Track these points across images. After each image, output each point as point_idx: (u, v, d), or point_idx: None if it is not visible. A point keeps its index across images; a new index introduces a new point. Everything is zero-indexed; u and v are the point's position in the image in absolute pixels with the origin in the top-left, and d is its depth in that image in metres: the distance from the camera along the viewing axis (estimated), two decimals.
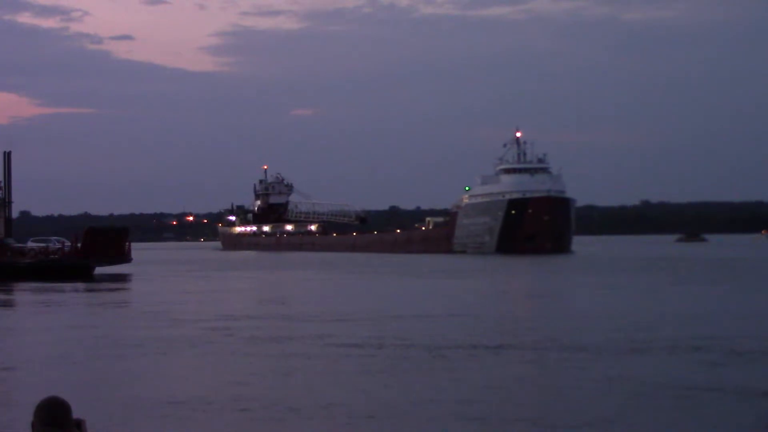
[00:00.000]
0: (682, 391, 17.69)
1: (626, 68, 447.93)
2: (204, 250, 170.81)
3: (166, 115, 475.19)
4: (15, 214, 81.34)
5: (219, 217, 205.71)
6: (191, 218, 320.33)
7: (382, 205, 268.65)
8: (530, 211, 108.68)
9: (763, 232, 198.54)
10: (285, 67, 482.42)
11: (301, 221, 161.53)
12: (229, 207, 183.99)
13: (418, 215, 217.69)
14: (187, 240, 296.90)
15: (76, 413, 4.76)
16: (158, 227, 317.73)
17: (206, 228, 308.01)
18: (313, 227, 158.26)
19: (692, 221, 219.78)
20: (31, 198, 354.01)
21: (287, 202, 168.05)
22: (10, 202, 75.70)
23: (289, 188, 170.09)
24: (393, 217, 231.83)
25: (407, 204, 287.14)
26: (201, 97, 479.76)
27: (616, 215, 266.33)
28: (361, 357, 22.56)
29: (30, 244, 72.99)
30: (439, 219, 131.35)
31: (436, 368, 20.87)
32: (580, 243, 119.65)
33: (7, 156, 75.07)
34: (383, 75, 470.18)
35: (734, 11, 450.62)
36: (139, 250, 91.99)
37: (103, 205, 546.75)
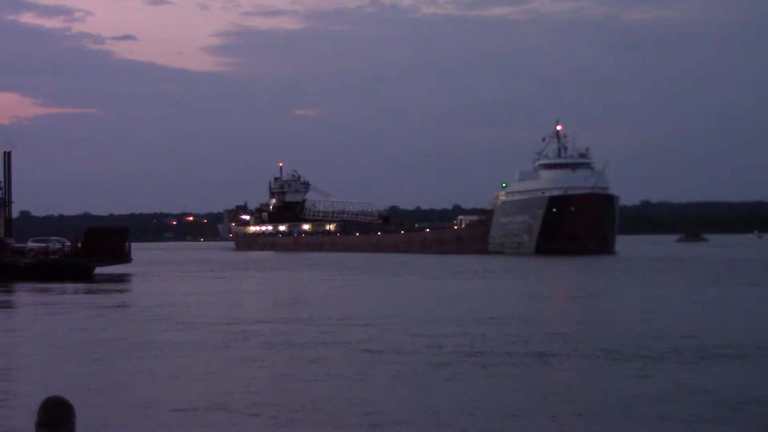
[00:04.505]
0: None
1: (626, 68, 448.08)
2: (216, 250, 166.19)
3: (167, 115, 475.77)
4: (15, 214, 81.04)
5: (218, 217, 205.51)
6: (191, 218, 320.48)
7: (382, 205, 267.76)
8: (573, 209, 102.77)
9: (756, 232, 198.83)
10: (287, 67, 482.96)
11: (319, 220, 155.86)
12: (231, 207, 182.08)
13: (418, 215, 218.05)
14: (187, 240, 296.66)
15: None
16: (158, 227, 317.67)
17: (206, 228, 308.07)
18: (331, 226, 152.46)
19: (692, 221, 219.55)
20: (31, 198, 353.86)
21: (304, 201, 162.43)
22: (10, 202, 75.51)
23: (306, 186, 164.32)
24: (393, 217, 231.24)
25: (407, 204, 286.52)
26: (203, 97, 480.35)
27: None
28: (393, 363, 21.20)
29: (30, 244, 72.88)
30: (474, 217, 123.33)
31: (475, 376, 19.41)
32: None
33: (7, 156, 75.01)
34: (385, 75, 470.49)
35: (734, 11, 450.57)
36: (139, 250, 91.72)
37: (103, 205, 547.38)
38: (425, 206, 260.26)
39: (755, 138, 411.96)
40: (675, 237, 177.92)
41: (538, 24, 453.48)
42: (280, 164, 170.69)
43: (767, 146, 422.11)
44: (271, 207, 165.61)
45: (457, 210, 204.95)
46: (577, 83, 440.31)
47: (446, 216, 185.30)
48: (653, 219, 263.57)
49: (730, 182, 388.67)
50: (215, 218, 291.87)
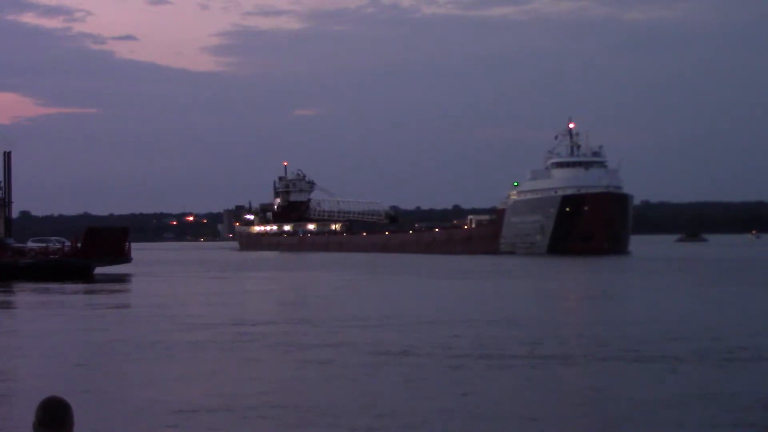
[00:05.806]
0: None
1: (627, 68, 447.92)
2: (218, 250, 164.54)
3: (167, 115, 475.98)
4: (15, 214, 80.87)
5: (218, 217, 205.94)
6: (191, 218, 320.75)
7: (382, 205, 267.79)
8: (586, 208, 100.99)
9: (753, 232, 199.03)
10: (287, 67, 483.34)
11: (324, 220, 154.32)
12: (231, 207, 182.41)
13: (419, 215, 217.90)
14: (187, 240, 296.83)
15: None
16: (158, 227, 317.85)
17: (206, 228, 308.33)
18: (336, 226, 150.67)
19: (692, 221, 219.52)
20: (31, 198, 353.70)
21: (309, 200, 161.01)
22: (10, 202, 75.30)
23: (311, 185, 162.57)
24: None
25: (407, 204, 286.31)
26: (203, 97, 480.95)
27: None
28: (404, 365, 20.67)
29: (30, 244, 72.66)
30: (484, 217, 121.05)
31: (491, 378, 18.95)
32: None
33: (7, 156, 74.82)
34: (385, 75, 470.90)
35: (734, 11, 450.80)
36: (139, 250, 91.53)
37: (103, 205, 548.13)
38: (425, 206, 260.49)
39: (755, 138, 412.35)
40: (674, 237, 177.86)
41: (539, 24, 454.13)
42: (285, 163, 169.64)
43: (767, 146, 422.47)
44: (275, 206, 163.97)
45: (458, 210, 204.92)
46: (576, 84, 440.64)
47: (446, 216, 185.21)
48: (653, 219, 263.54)
49: (730, 182, 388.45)
50: (215, 218, 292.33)
